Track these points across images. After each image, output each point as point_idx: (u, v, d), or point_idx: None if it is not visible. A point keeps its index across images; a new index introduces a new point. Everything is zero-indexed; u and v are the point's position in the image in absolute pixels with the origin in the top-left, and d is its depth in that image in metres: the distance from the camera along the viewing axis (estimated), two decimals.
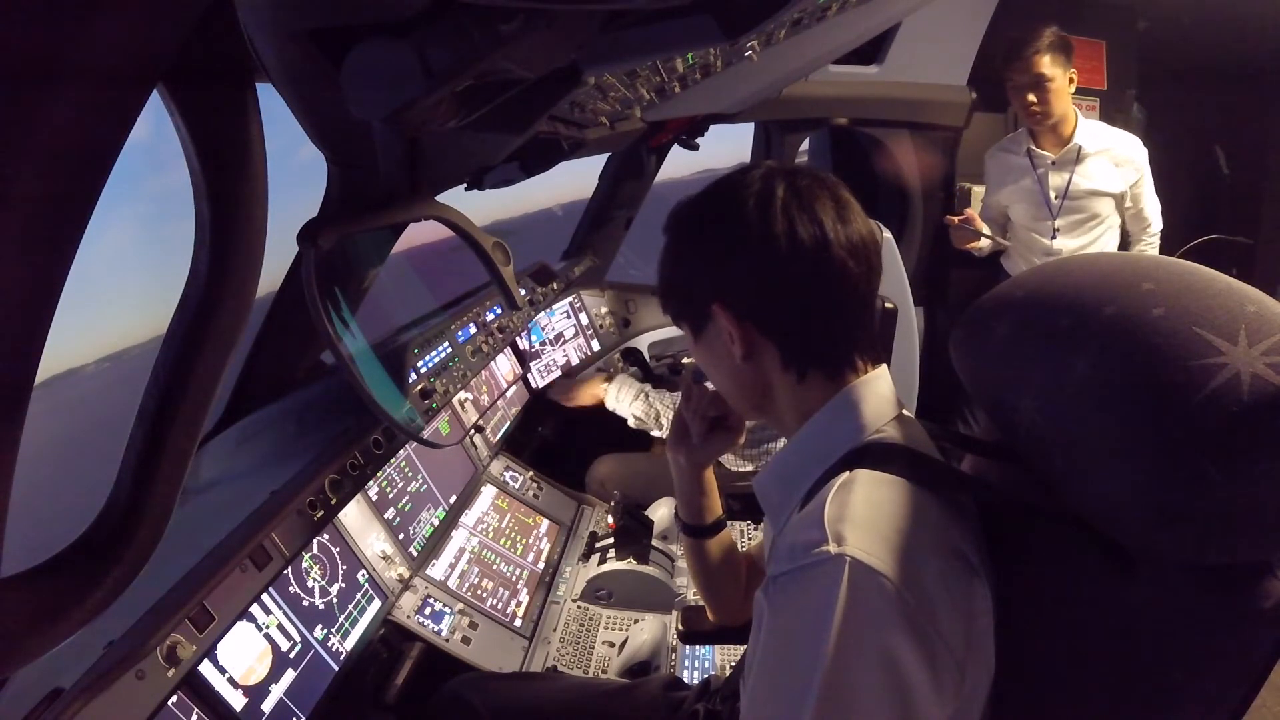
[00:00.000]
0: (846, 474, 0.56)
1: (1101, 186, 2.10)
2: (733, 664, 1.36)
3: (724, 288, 0.64)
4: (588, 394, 1.95)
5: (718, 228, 0.65)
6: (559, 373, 2.36)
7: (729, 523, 0.98)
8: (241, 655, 0.96)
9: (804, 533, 0.53)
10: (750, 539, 1.71)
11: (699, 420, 0.85)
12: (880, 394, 0.64)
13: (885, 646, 0.47)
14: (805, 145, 2.84)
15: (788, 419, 0.68)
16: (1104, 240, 2.18)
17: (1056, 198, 2.15)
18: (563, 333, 2.43)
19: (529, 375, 2.17)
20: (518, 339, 2.10)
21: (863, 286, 0.64)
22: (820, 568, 0.49)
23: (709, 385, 0.83)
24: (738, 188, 0.65)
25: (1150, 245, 2.19)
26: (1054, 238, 2.18)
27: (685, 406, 0.87)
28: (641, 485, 1.84)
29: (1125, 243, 2.24)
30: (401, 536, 1.36)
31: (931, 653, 0.48)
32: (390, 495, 1.38)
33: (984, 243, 2.24)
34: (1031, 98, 2.02)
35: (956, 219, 2.20)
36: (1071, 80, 2.03)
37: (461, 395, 1.70)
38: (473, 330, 1.83)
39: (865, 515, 0.52)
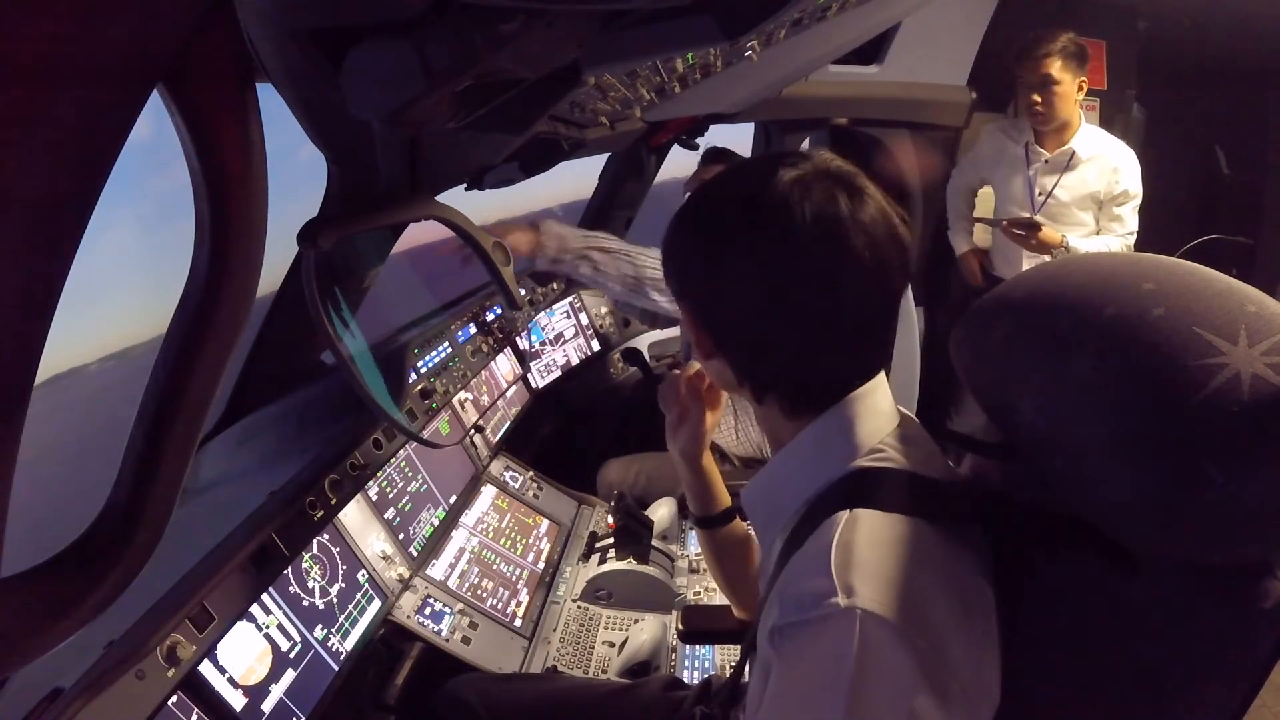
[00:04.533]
0: (847, 513, 0.54)
1: (1086, 194, 2.10)
2: (733, 664, 1.36)
3: (707, 299, 0.62)
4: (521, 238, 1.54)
5: (739, 244, 0.59)
6: (559, 373, 2.36)
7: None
8: (241, 655, 0.96)
9: (809, 580, 0.51)
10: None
11: (675, 407, 0.87)
12: (877, 408, 0.61)
13: (904, 701, 0.46)
14: (805, 145, 2.85)
15: (774, 426, 0.65)
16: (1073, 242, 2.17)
17: (1041, 195, 2.15)
18: (563, 333, 2.43)
19: (529, 375, 2.17)
20: (518, 339, 2.10)
21: (884, 314, 0.61)
22: (831, 621, 0.47)
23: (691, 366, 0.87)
24: (774, 197, 0.57)
25: (1116, 241, 2.12)
26: None
27: (663, 403, 0.89)
28: (642, 485, 1.84)
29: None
30: (401, 536, 1.36)
31: (946, 695, 0.48)
32: (390, 495, 1.38)
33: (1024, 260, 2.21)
34: (1036, 98, 2.02)
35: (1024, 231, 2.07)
36: (1081, 87, 2.03)
37: (461, 395, 1.70)
38: (473, 330, 1.83)
39: (873, 562, 0.50)
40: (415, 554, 1.38)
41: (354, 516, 1.27)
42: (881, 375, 0.64)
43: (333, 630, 1.12)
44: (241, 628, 0.97)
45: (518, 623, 1.43)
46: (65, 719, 0.72)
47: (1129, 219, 2.11)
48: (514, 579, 1.53)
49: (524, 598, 1.50)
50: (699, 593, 1.53)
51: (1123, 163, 2.07)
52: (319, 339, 1.40)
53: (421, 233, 1.15)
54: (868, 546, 0.51)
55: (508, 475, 1.83)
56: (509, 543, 1.62)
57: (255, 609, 1.00)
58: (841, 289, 0.56)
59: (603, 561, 1.54)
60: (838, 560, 0.50)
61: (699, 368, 0.87)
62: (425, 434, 1.51)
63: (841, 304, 0.57)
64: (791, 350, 0.60)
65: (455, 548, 1.49)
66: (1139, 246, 2.15)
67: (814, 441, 0.61)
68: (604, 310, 2.61)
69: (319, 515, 1.13)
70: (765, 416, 0.65)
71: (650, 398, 0.97)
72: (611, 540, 1.55)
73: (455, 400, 1.66)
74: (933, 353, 2.45)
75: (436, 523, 1.49)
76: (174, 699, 0.84)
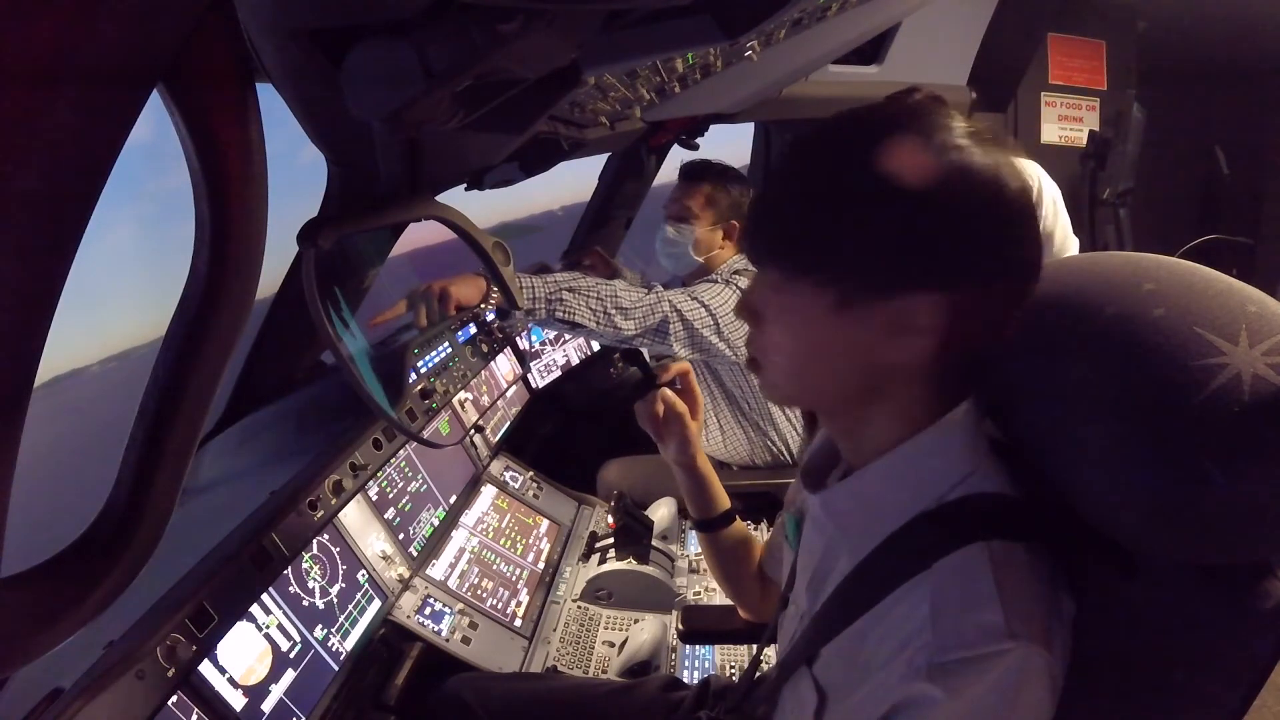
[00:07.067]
0: (984, 545, 0.53)
1: None
2: (733, 665, 1.36)
3: (954, 273, 0.50)
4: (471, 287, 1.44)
5: (972, 202, 0.49)
6: (559, 373, 2.36)
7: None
8: (241, 655, 0.96)
9: (972, 614, 0.50)
10: None
11: (651, 425, 0.93)
12: (975, 420, 0.59)
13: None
14: None
15: (876, 430, 0.59)
16: None
17: None
18: (563, 332, 2.42)
19: (529, 375, 2.17)
20: (518, 339, 2.10)
21: None
22: (1001, 656, 0.49)
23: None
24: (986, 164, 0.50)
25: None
26: None
27: (642, 424, 0.95)
28: (643, 485, 1.84)
29: None
30: (401, 536, 1.36)
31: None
32: (390, 495, 1.38)
33: None
34: None
35: None
36: None
37: (461, 395, 1.70)
38: (473, 330, 1.83)
39: (1025, 597, 0.51)
40: (415, 554, 1.38)
41: (354, 516, 1.27)
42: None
43: (333, 630, 1.12)
44: (241, 628, 0.97)
45: (518, 623, 1.43)
46: (65, 719, 0.72)
47: (1061, 240, 1.95)
48: (514, 579, 1.53)
49: (524, 598, 1.50)
50: (699, 593, 1.53)
51: (1030, 171, 1.97)
52: (319, 339, 1.40)
53: (421, 233, 1.15)
54: (1014, 580, 0.52)
55: (508, 475, 1.83)
56: (509, 543, 1.62)
57: (255, 609, 1.00)
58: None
59: (603, 561, 1.54)
60: (1002, 596, 0.50)
61: (676, 371, 0.95)
62: (425, 434, 1.51)
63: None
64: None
65: (455, 548, 1.49)
66: (1138, 247, 2.13)
67: (925, 451, 0.57)
68: None
69: (319, 515, 1.13)
70: (905, 412, 0.58)
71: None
72: (611, 540, 1.55)
73: (455, 400, 1.66)
74: None
75: (436, 523, 1.49)
76: (174, 699, 0.84)
